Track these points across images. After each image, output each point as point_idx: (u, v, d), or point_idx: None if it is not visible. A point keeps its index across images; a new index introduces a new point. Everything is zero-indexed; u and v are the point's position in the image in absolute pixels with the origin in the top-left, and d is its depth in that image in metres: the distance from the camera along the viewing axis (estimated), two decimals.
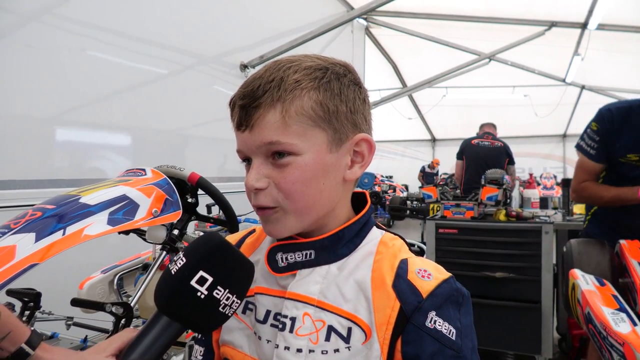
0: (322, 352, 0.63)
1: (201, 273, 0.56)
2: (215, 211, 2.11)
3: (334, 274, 0.66)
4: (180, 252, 0.59)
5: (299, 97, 0.61)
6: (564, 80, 7.41)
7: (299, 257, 0.67)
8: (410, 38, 6.43)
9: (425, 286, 0.63)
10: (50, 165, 2.61)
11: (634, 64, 6.15)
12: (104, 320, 1.68)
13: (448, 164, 10.34)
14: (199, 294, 0.55)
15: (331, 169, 0.65)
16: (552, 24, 5.34)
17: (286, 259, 0.68)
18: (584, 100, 8.28)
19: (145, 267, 1.85)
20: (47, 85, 2.47)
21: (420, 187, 4.51)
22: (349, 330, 0.63)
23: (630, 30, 5.06)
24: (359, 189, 0.75)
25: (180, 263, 0.57)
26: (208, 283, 0.56)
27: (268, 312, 0.68)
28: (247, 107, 0.62)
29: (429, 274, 0.64)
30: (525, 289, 2.75)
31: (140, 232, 1.61)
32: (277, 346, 0.65)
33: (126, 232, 1.53)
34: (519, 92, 8.63)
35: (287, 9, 4.69)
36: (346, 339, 0.63)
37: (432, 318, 0.61)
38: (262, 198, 0.64)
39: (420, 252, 3.40)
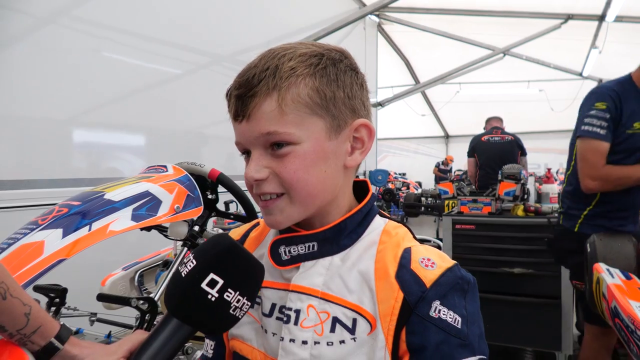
0: (328, 344, 0.63)
1: (212, 276, 0.56)
2: (233, 208, 2.12)
3: (337, 265, 0.66)
4: (190, 255, 0.58)
5: (295, 84, 0.60)
6: (580, 74, 7.31)
7: (301, 250, 0.67)
8: (422, 34, 6.39)
9: (429, 275, 0.62)
10: (69, 165, 2.65)
11: None
12: (127, 316, 1.71)
13: (462, 160, 10.26)
14: (209, 296, 0.55)
15: (331, 156, 0.64)
16: (569, 17, 5.26)
17: (289, 251, 0.68)
18: None
19: (166, 264, 1.87)
20: (64, 87, 2.50)
21: (436, 183, 4.49)
22: (354, 321, 0.63)
23: None
24: (361, 178, 0.75)
25: (190, 265, 0.57)
26: (219, 286, 0.56)
27: (273, 306, 0.69)
28: (242, 96, 0.61)
29: (432, 263, 0.63)
30: (544, 284, 2.71)
31: (161, 229, 1.62)
32: (282, 339, 0.65)
33: (148, 229, 1.54)
34: (534, 87, 8.52)
35: (300, 6, 4.70)
36: (351, 330, 0.62)
37: (436, 307, 0.60)
38: (266, 186, 0.63)
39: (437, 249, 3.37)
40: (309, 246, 0.67)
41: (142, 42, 2.99)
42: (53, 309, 1.38)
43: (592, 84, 8.01)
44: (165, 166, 1.48)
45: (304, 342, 0.63)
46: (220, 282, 0.56)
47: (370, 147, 0.68)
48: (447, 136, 13.72)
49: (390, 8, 5.86)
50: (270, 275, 0.69)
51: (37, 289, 1.37)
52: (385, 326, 0.61)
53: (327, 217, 0.68)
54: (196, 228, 1.60)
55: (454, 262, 0.65)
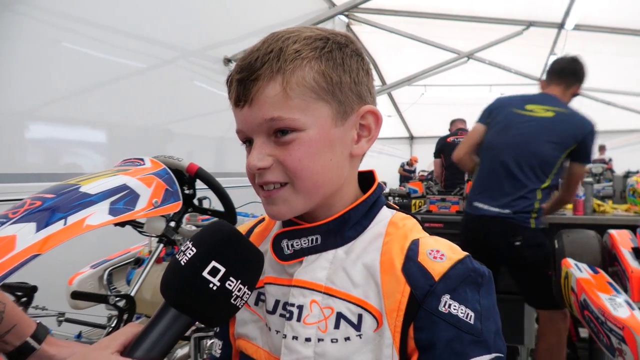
0: (332, 341, 0.60)
1: (213, 264, 0.53)
2: (206, 205, 2.08)
3: (341, 258, 0.63)
4: (189, 242, 0.56)
5: (300, 67, 0.58)
6: (539, 80, 7.58)
7: (304, 243, 0.64)
8: (390, 36, 6.47)
9: (438, 268, 0.58)
10: (26, 160, 2.53)
11: (608, 64, 6.34)
12: (97, 315, 1.65)
13: (426, 161, 10.45)
14: (211, 285, 0.53)
15: (337, 144, 0.62)
16: (530, 24, 5.45)
17: (292, 245, 0.65)
18: None
19: (138, 262, 1.81)
20: (21, 78, 2.38)
21: (401, 183, 4.55)
22: (360, 317, 0.60)
23: (606, 31, 5.21)
24: (365, 168, 0.73)
25: (190, 253, 0.54)
26: (220, 274, 0.53)
27: (277, 302, 0.66)
28: (245, 80, 0.59)
29: (442, 255, 0.60)
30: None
31: (136, 224, 1.57)
32: (285, 336, 0.62)
33: (122, 224, 1.49)
34: (496, 91, 8.75)
35: (270, 3, 4.67)
36: (357, 327, 0.59)
37: (446, 302, 0.57)
38: (269, 175, 0.61)
39: None
40: (312, 239, 0.64)
41: (106, 34, 2.87)
42: (21, 308, 1.30)
43: None
44: (142, 159, 1.43)
45: (307, 340, 0.61)
46: (222, 270, 0.54)
47: (377, 135, 0.66)
48: (411, 137, 13.95)
49: (359, 9, 5.91)
50: (273, 271, 0.67)
51: (3, 287, 1.29)
52: (392, 322, 0.58)
53: (332, 209, 0.65)
54: (172, 224, 1.56)
55: (465, 253, 0.61)
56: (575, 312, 1.67)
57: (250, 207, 2.24)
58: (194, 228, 1.89)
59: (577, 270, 1.66)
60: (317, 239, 0.64)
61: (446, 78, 7.57)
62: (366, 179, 0.71)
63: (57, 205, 1.12)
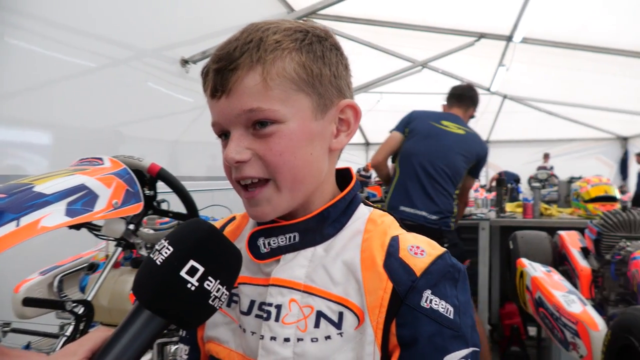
0: (312, 340, 0.59)
1: (192, 263, 0.51)
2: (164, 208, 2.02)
3: (321, 256, 0.62)
4: (164, 241, 0.53)
5: (280, 58, 0.57)
6: (488, 90, 7.91)
7: (282, 242, 0.63)
8: (347, 43, 6.53)
9: (419, 264, 0.59)
10: None
11: (552, 76, 6.71)
12: (47, 324, 1.55)
13: None
14: (189, 285, 0.51)
15: (317, 137, 0.61)
16: (481, 36, 5.67)
17: (269, 244, 0.64)
18: (505, 109, 8.89)
19: (92, 267, 1.72)
20: None
21: (361, 187, 4.61)
22: (340, 315, 0.59)
23: (550, 45, 5.50)
24: (341, 166, 0.72)
25: (166, 252, 0.52)
26: (199, 274, 0.51)
27: (252, 303, 0.64)
28: (223, 70, 0.57)
29: (422, 251, 0.60)
30: None
31: (92, 227, 1.50)
32: (262, 337, 0.60)
33: (78, 227, 1.41)
34: None
35: (229, 6, 4.61)
36: (338, 325, 0.58)
37: (427, 297, 0.57)
38: (248, 169, 0.59)
39: None
40: (290, 237, 0.63)
41: (52, 30, 2.71)
42: None
43: (499, 99, 8.73)
44: (100, 158, 1.37)
45: (286, 340, 0.59)
46: (201, 269, 0.51)
47: (356, 130, 0.66)
48: (367, 143, 14.15)
49: (318, 15, 5.94)
50: (248, 271, 0.65)
51: None
52: (374, 319, 0.57)
53: (311, 206, 0.64)
54: (131, 226, 1.50)
55: (444, 249, 0.62)
56: (529, 309, 1.74)
57: (209, 210, 2.20)
58: (151, 231, 1.83)
59: (532, 269, 1.73)
60: (295, 236, 0.63)
61: (402, 86, 7.73)
62: (342, 176, 0.71)
63: (9, 206, 1.05)
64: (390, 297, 0.57)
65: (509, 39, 5.58)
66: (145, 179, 1.51)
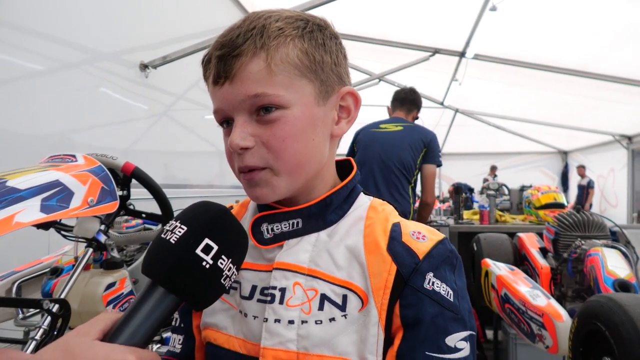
0: (316, 322, 0.59)
1: (207, 241, 0.52)
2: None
3: (324, 241, 0.63)
4: (175, 221, 0.54)
5: (284, 44, 0.58)
6: (442, 104, 8.22)
7: (285, 227, 0.63)
8: None
9: (422, 247, 0.60)
10: None
11: (501, 92, 7.08)
12: (10, 329, 1.47)
13: None
14: (204, 263, 0.51)
15: (320, 123, 0.62)
16: (436, 51, 5.91)
17: (272, 229, 0.64)
18: (457, 122, 9.26)
19: (55, 271, 1.65)
20: None
21: None
22: (345, 297, 0.59)
23: (499, 62, 5.82)
24: (341, 157, 0.73)
25: (180, 232, 0.52)
26: (213, 252, 0.52)
27: (254, 288, 0.64)
28: (226, 56, 0.57)
29: (423, 236, 0.62)
30: None
31: (61, 227, 1.43)
32: (266, 320, 0.60)
33: (47, 226, 1.35)
34: None
35: (192, 12, 4.56)
36: (342, 307, 0.59)
37: (430, 279, 0.58)
38: (250, 157, 0.59)
39: None
40: (293, 223, 0.63)
41: None
42: None
43: (451, 113, 9.08)
44: (73, 155, 1.32)
45: (291, 322, 0.59)
46: (215, 248, 0.52)
47: (356, 117, 0.67)
48: None
49: None
50: (249, 257, 0.64)
51: None
52: (379, 300, 0.58)
53: (312, 193, 0.65)
54: (103, 227, 1.45)
55: (443, 235, 0.64)
56: (494, 307, 1.81)
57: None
58: (116, 234, 1.78)
59: (496, 269, 1.81)
60: (298, 222, 0.64)
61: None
62: (341, 167, 0.72)
63: None
64: (394, 279, 0.58)
65: (461, 55, 5.85)
66: (118, 178, 1.47)
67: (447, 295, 0.59)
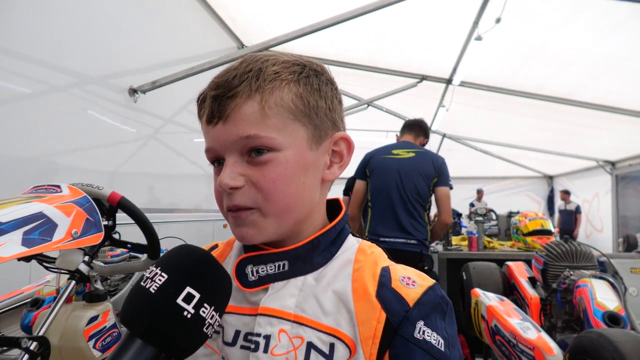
0: None
1: (188, 289, 0.50)
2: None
3: (311, 285, 0.61)
4: (155, 268, 0.52)
5: (279, 88, 0.58)
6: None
7: (271, 270, 0.62)
8: None
9: (412, 294, 0.59)
10: None
11: (487, 118, 7.19)
12: None
13: None
14: (185, 313, 0.49)
15: (311, 167, 0.61)
16: (423, 78, 6.01)
17: (257, 271, 0.62)
18: (444, 147, 9.35)
19: (36, 303, 1.60)
20: None
21: None
22: (332, 346, 0.57)
23: (485, 89, 5.92)
24: (330, 197, 0.72)
25: (160, 280, 0.50)
26: (195, 300, 0.50)
27: (237, 333, 0.62)
28: (221, 97, 0.58)
29: (413, 282, 0.61)
30: None
31: (43, 259, 1.39)
32: None
33: (27, 259, 1.31)
34: (392, 137, 9.41)
35: (182, 37, 4.59)
36: (328, 357, 0.57)
37: (420, 328, 0.57)
38: (239, 197, 0.58)
39: None
40: (279, 265, 0.62)
41: None
42: None
43: (438, 138, 9.18)
44: (58, 186, 1.29)
45: None
46: (197, 296, 0.50)
47: (349, 162, 0.67)
48: None
49: (268, 52, 6.06)
50: (232, 300, 0.61)
51: None
52: (367, 350, 0.56)
53: (300, 235, 0.64)
54: (86, 258, 1.42)
55: (433, 281, 0.63)
56: (485, 338, 1.80)
57: (164, 242, 2.11)
58: (101, 264, 1.73)
59: (486, 299, 1.80)
60: (284, 264, 0.62)
61: (348, 122, 7.89)
62: (330, 207, 0.71)
63: None
64: (383, 328, 0.57)
65: (448, 81, 5.96)
66: (104, 208, 1.45)
67: (438, 345, 0.57)
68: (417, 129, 3.08)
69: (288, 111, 0.59)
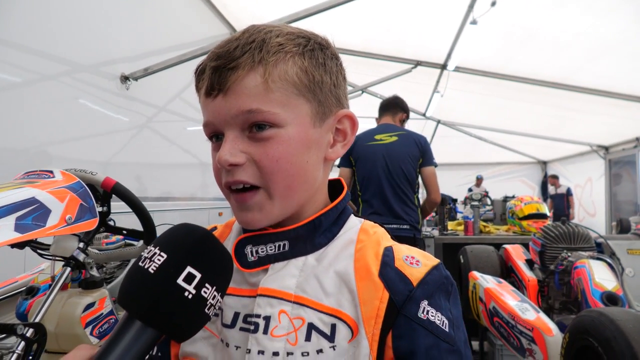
0: (303, 354, 0.55)
1: (189, 269, 0.48)
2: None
3: (312, 266, 0.60)
4: (154, 247, 0.50)
5: (283, 60, 0.56)
6: (424, 115, 8.29)
7: (270, 250, 0.60)
8: None
9: (415, 273, 0.57)
10: None
11: (481, 103, 7.18)
12: None
13: None
14: (186, 293, 0.47)
15: (314, 145, 0.59)
16: (418, 63, 5.98)
17: (256, 252, 0.60)
18: (439, 133, 9.34)
19: (31, 291, 1.58)
20: None
21: None
22: (333, 327, 0.56)
23: (480, 74, 5.90)
24: (332, 177, 0.70)
25: (159, 260, 0.48)
26: (196, 280, 0.48)
27: (236, 315, 0.60)
28: (221, 68, 0.55)
29: (417, 261, 0.59)
30: None
31: (37, 245, 1.37)
32: (248, 351, 0.56)
33: (21, 245, 1.29)
34: None
35: (174, 24, 4.53)
36: (330, 337, 0.56)
37: (424, 308, 0.56)
38: (241, 173, 0.56)
39: None
40: (279, 245, 0.60)
41: None
42: None
43: (432, 124, 9.17)
44: (51, 171, 1.26)
45: (275, 354, 0.55)
46: (198, 276, 0.48)
47: (352, 141, 0.65)
48: None
49: None
50: (232, 281, 0.59)
51: None
52: (370, 330, 0.55)
53: (301, 215, 0.62)
54: (81, 245, 1.40)
55: (438, 260, 0.61)
56: (483, 320, 1.80)
57: (161, 230, 2.09)
58: (96, 251, 1.72)
59: (484, 281, 1.80)
60: (284, 245, 0.60)
61: None
62: (331, 187, 0.69)
63: None
64: (386, 307, 0.56)
65: (443, 67, 5.92)
66: (98, 194, 1.43)
67: (442, 325, 0.56)
68: (393, 107, 3.03)
69: (292, 85, 0.56)
